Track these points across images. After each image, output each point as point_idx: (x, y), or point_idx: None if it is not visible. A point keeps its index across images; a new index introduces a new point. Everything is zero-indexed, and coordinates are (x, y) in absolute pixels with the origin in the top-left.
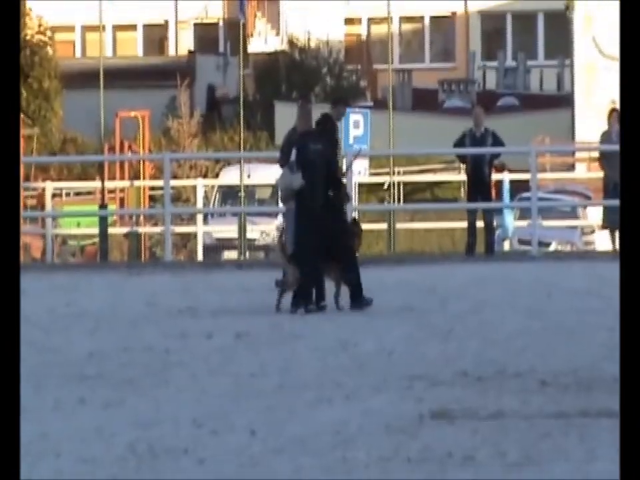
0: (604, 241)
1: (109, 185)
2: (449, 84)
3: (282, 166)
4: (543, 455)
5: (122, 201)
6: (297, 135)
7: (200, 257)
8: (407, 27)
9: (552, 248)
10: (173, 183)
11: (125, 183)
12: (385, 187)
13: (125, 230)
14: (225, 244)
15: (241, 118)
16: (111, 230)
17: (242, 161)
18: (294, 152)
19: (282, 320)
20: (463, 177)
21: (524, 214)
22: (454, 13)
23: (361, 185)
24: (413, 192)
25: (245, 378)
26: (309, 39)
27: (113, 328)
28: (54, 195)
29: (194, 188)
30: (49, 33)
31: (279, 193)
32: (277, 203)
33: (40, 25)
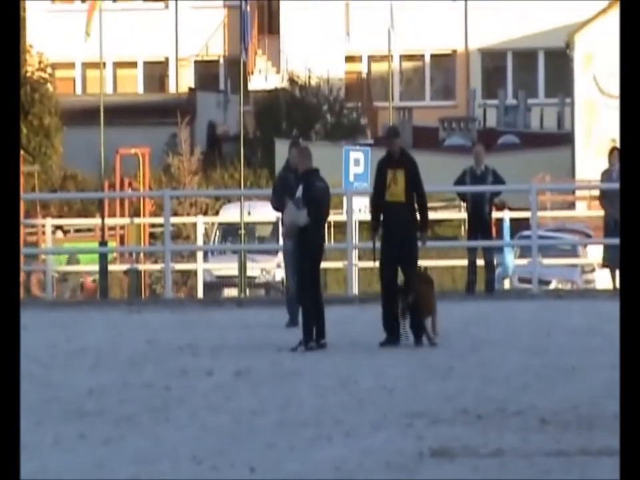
0: (604, 280)
1: (109, 221)
2: (450, 122)
3: (275, 207)
4: None
5: (122, 238)
6: (289, 175)
7: (200, 294)
8: (408, 64)
9: (552, 286)
10: (173, 220)
11: (125, 220)
12: None
13: (125, 267)
14: (225, 281)
15: (242, 155)
16: (111, 267)
17: (242, 199)
18: (300, 189)
19: (282, 357)
20: (463, 214)
21: (524, 252)
22: (454, 51)
23: (361, 223)
24: None
25: (244, 415)
26: (309, 77)
27: (113, 365)
28: (54, 232)
29: (194, 225)
30: (49, 70)
31: (283, 229)
32: (278, 241)
33: (40, 62)
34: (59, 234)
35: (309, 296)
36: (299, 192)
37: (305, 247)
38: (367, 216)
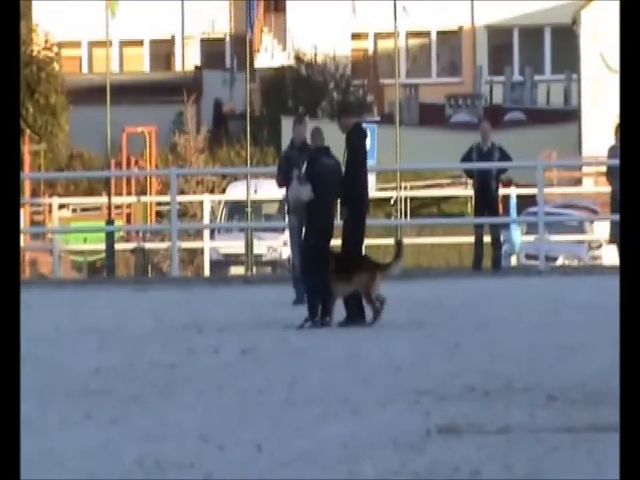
0: (611, 256)
1: (116, 200)
2: (456, 99)
3: (280, 184)
4: (550, 469)
5: (128, 216)
6: (294, 152)
7: (207, 272)
8: (414, 41)
9: (559, 263)
10: (180, 198)
11: (132, 199)
12: (392, 202)
13: (131, 246)
14: (232, 259)
15: (248, 133)
16: (117, 246)
17: (249, 177)
18: (305, 165)
19: (288, 335)
20: (470, 191)
21: (531, 229)
22: (461, 28)
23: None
24: (419, 207)
25: (251, 393)
26: (315, 54)
27: (119, 344)
28: (61, 210)
29: (201, 203)
30: (55, 49)
31: (288, 205)
32: (284, 218)
33: (46, 41)
34: (66, 212)
35: (313, 272)
36: (304, 168)
37: (309, 223)
38: (375, 193)
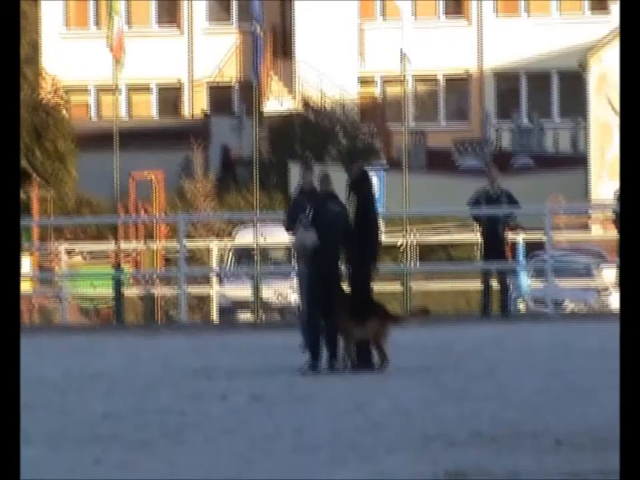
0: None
1: (124, 246)
2: (464, 144)
3: (287, 229)
4: None
5: (137, 262)
6: (302, 197)
7: (215, 318)
8: (422, 87)
9: (567, 308)
10: (188, 244)
11: (140, 245)
12: (400, 247)
13: (139, 291)
14: (240, 305)
15: (255, 179)
16: (125, 291)
17: (256, 222)
18: (311, 211)
19: (296, 381)
20: (478, 237)
21: (539, 274)
22: (468, 73)
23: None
24: (427, 252)
25: (260, 439)
26: (323, 100)
27: (127, 389)
28: (69, 256)
29: (208, 249)
30: (63, 95)
31: (294, 251)
32: (292, 264)
33: (54, 87)
34: (76, 258)
35: (318, 318)
36: (309, 214)
37: (314, 268)
38: (383, 238)
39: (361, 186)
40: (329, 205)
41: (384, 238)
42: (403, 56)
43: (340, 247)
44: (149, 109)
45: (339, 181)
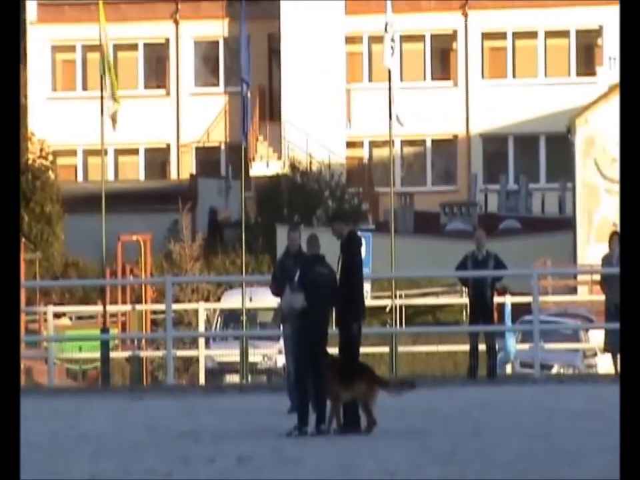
0: (606, 364)
1: (111, 308)
2: (451, 207)
3: (274, 292)
4: None
5: (124, 324)
6: (289, 260)
7: (202, 380)
8: (409, 149)
9: (554, 371)
10: (175, 306)
11: (127, 307)
12: (387, 310)
13: (126, 354)
14: (227, 367)
15: (243, 241)
16: (112, 354)
17: (244, 285)
18: (298, 273)
19: (284, 443)
20: (464, 299)
21: (526, 337)
22: (455, 136)
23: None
24: (414, 315)
25: None
26: (310, 162)
27: (114, 452)
28: (56, 319)
29: (196, 311)
30: (50, 157)
31: (282, 313)
32: (279, 327)
33: (42, 150)
34: (62, 321)
35: (305, 380)
36: (297, 276)
37: (302, 331)
38: (370, 301)
39: (348, 245)
40: (317, 266)
41: (371, 300)
42: (396, 118)
43: (328, 309)
44: (136, 172)
45: (327, 243)
